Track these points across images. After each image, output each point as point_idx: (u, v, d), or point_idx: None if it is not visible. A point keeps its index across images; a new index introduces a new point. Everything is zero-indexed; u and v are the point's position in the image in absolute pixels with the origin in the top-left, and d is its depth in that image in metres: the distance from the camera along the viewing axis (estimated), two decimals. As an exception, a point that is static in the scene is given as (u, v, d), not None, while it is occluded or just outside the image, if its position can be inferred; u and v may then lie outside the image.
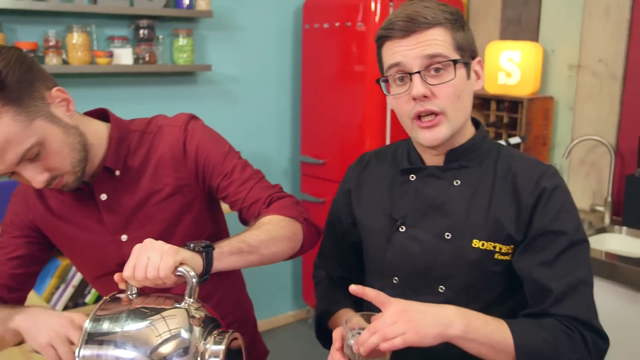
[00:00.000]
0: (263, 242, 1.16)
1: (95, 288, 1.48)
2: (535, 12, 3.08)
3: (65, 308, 2.77)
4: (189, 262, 1.02)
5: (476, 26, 3.39)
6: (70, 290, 2.78)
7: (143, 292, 1.05)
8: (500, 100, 3.09)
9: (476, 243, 1.17)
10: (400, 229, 1.24)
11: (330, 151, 3.36)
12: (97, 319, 0.97)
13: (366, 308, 1.26)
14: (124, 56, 2.91)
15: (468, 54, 1.17)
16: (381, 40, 1.18)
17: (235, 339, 1.00)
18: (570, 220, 1.14)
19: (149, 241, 1.03)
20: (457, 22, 1.15)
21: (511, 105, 3.04)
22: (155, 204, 1.30)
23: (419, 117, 1.15)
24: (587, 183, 2.94)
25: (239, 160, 1.34)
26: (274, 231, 1.18)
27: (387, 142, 3.10)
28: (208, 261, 1.06)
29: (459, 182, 1.21)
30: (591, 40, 2.86)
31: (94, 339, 0.95)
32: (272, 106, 3.60)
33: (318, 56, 3.36)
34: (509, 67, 3.01)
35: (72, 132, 1.18)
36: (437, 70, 1.13)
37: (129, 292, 1.03)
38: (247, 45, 3.43)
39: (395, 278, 1.25)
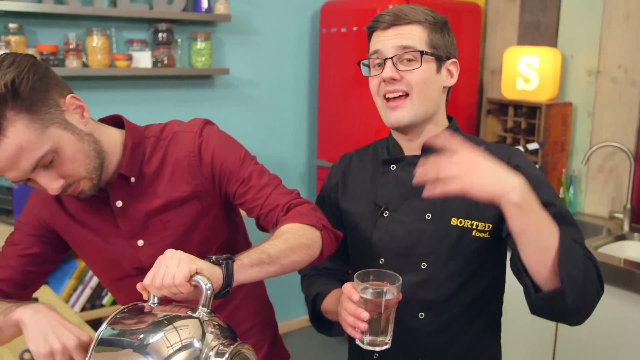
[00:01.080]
0: (283, 251, 1.15)
1: (111, 292, 1.48)
2: (554, 17, 3.07)
3: (83, 309, 2.79)
4: (206, 272, 1.01)
5: (494, 31, 3.37)
6: (88, 292, 2.81)
7: (164, 302, 1.04)
8: (518, 106, 3.08)
9: (454, 221, 1.29)
10: (384, 214, 1.36)
11: (347, 155, 3.35)
12: (111, 326, 0.97)
13: None
14: (143, 59, 2.93)
15: (442, 53, 1.31)
16: (370, 30, 1.35)
17: (240, 351, 0.97)
18: (550, 192, 1.23)
19: (170, 251, 1.03)
20: (437, 25, 1.31)
21: (529, 110, 3.03)
22: (172, 209, 1.30)
23: (386, 97, 1.31)
24: (606, 190, 2.91)
25: (255, 165, 1.33)
26: (293, 240, 1.18)
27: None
28: (228, 273, 1.05)
29: None
30: (610, 45, 2.84)
31: (104, 345, 0.95)
32: (289, 110, 3.61)
33: (335, 60, 3.36)
34: (527, 72, 2.99)
35: (87, 139, 1.18)
36: (409, 60, 1.28)
37: (150, 302, 1.03)
38: (265, 49, 3.44)
39: (382, 259, 1.35)
